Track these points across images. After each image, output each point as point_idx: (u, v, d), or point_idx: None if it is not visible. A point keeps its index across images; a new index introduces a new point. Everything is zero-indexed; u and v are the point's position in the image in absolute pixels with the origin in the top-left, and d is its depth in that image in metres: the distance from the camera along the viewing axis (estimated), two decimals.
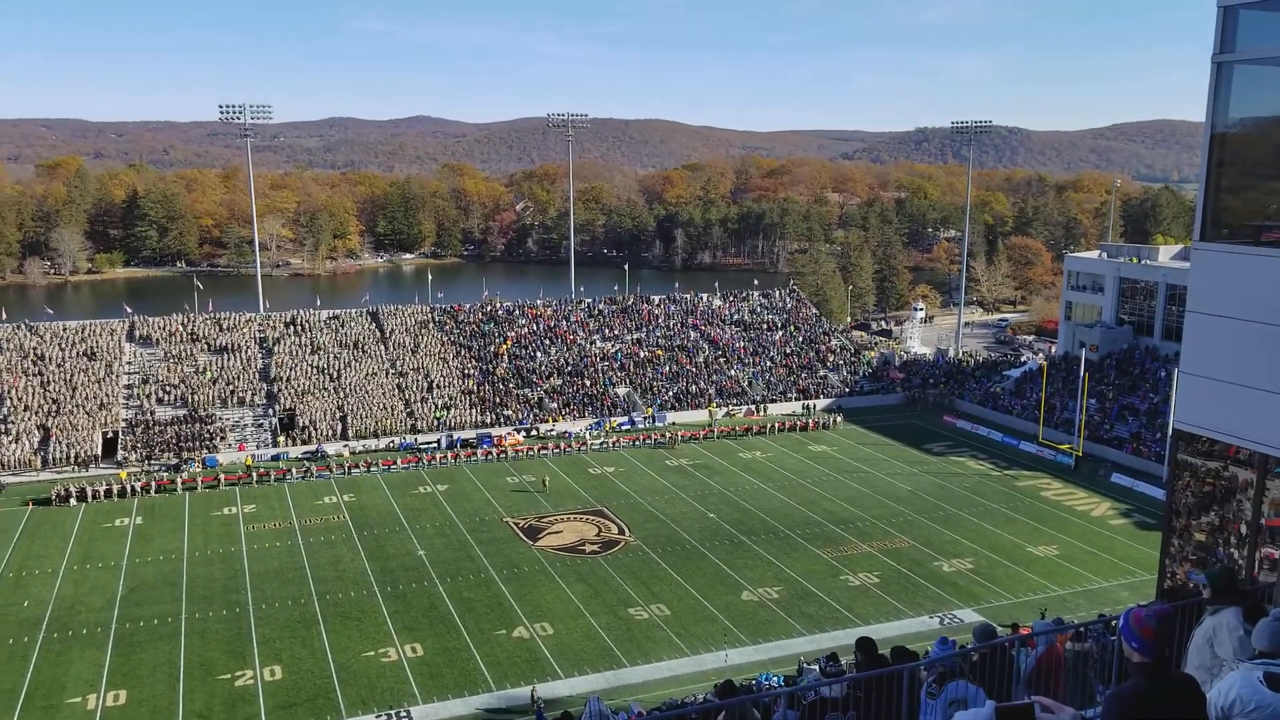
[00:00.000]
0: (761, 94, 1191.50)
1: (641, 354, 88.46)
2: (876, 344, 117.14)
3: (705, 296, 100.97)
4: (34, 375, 73.17)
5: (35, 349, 75.94)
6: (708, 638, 40.52)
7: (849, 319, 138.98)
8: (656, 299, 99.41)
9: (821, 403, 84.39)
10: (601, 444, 72.64)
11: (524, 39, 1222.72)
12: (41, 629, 41.77)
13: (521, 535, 53.46)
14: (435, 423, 74.76)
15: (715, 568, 48.47)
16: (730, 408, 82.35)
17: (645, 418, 78.76)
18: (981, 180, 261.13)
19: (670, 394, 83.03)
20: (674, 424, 78.22)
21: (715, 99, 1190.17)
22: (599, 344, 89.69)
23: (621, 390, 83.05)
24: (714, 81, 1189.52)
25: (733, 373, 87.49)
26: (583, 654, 39.10)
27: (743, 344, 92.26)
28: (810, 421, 78.74)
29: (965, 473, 66.31)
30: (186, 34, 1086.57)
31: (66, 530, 54.30)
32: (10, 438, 66.50)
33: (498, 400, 78.54)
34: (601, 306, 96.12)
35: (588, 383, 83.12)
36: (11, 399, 70.08)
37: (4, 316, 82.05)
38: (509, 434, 73.19)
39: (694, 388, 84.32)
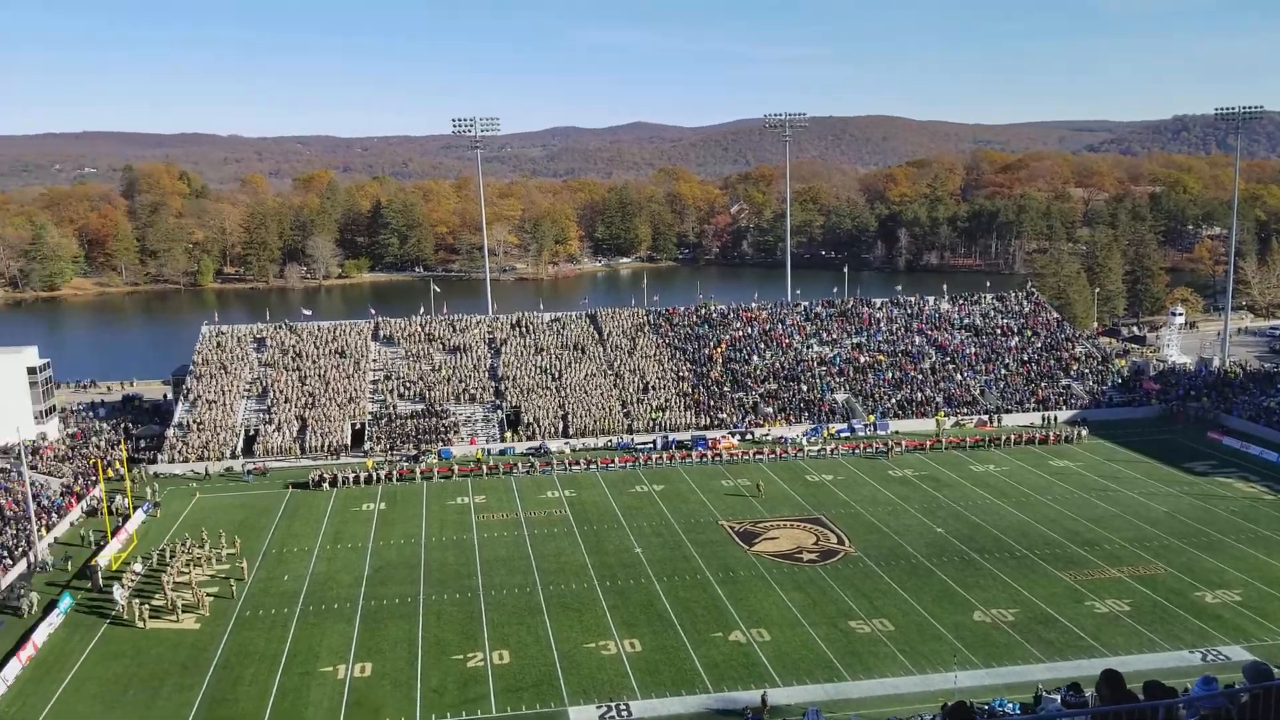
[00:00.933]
0: (994, 85, 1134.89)
1: (862, 359, 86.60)
2: (1128, 351, 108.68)
3: (932, 299, 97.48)
4: (293, 371, 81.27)
5: (294, 347, 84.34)
6: (935, 657, 39.14)
7: (1095, 324, 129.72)
8: (878, 302, 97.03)
9: (1063, 414, 79.28)
10: (819, 451, 71.72)
11: (741, 42, 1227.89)
12: (299, 602, 46.37)
13: (737, 539, 53.76)
14: (651, 424, 76.54)
15: (943, 585, 46.72)
16: (960, 417, 79.00)
17: (866, 425, 77.04)
18: (1251, 172, 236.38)
19: (893, 401, 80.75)
20: (896, 433, 76.02)
21: (942, 92, 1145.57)
22: (816, 348, 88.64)
23: (840, 396, 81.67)
24: (941, 74, 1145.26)
25: (962, 380, 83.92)
26: (801, 663, 38.82)
27: (974, 350, 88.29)
28: (1051, 434, 74.13)
29: (1233, 495, 60.28)
30: (424, 54, 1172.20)
31: (320, 512, 60.02)
32: (273, 427, 74.23)
33: (712, 403, 79.31)
34: (819, 310, 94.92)
35: (804, 388, 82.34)
36: (274, 392, 78.18)
37: (268, 317, 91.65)
38: (723, 437, 73.77)
39: (919, 395, 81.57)
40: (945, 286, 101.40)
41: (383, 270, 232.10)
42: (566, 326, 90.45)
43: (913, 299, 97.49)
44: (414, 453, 71.77)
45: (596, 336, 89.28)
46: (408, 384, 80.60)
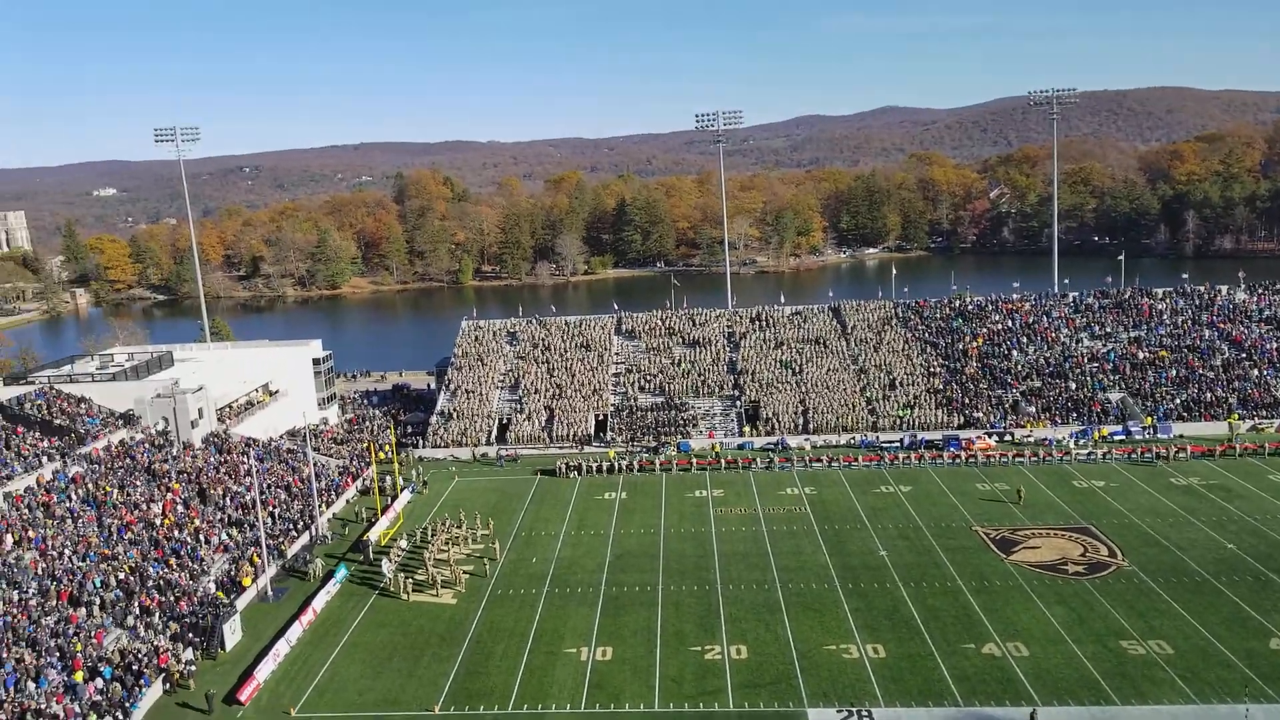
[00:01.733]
0: None
1: (1140, 355, 79.50)
2: None
3: (1225, 289, 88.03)
4: (542, 364, 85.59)
5: (543, 340, 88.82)
6: (1222, 686, 35.29)
7: None
8: (1160, 292, 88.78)
9: None
10: (1089, 455, 66.59)
11: (1002, 15, 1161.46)
12: (546, 584, 48.78)
13: (993, 546, 50.95)
14: (898, 421, 74.11)
15: (1233, 606, 42.04)
16: (1257, 421, 70.79)
17: (1144, 428, 70.68)
18: None
19: (1177, 402, 73.55)
20: (1180, 436, 69.21)
21: (1238, 58, 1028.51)
22: (1087, 343, 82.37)
23: (1114, 395, 75.39)
24: (1236, 37, 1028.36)
25: (1261, 378, 75.03)
26: (1063, 683, 36.22)
27: (1276, 345, 78.76)
28: None
29: None
30: (667, 51, 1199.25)
31: (566, 499, 62.89)
32: (524, 416, 78.54)
33: (966, 401, 75.61)
34: (1091, 300, 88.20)
35: (1072, 385, 76.69)
36: (525, 383, 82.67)
37: (520, 312, 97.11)
38: (979, 437, 70.15)
39: (1209, 396, 73.78)
40: (1242, 274, 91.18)
41: (626, 266, 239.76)
42: (808, 320, 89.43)
43: (1202, 288, 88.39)
44: (654, 444, 73.58)
45: (839, 330, 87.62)
46: (648, 377, 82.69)
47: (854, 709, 35.20)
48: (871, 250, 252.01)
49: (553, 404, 79.91)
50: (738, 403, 79.06)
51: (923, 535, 53.14)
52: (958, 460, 67.35)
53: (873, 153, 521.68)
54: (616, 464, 68.73)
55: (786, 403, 77.40)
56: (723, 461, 68.76)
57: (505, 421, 78.60)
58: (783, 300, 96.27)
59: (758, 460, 68.83)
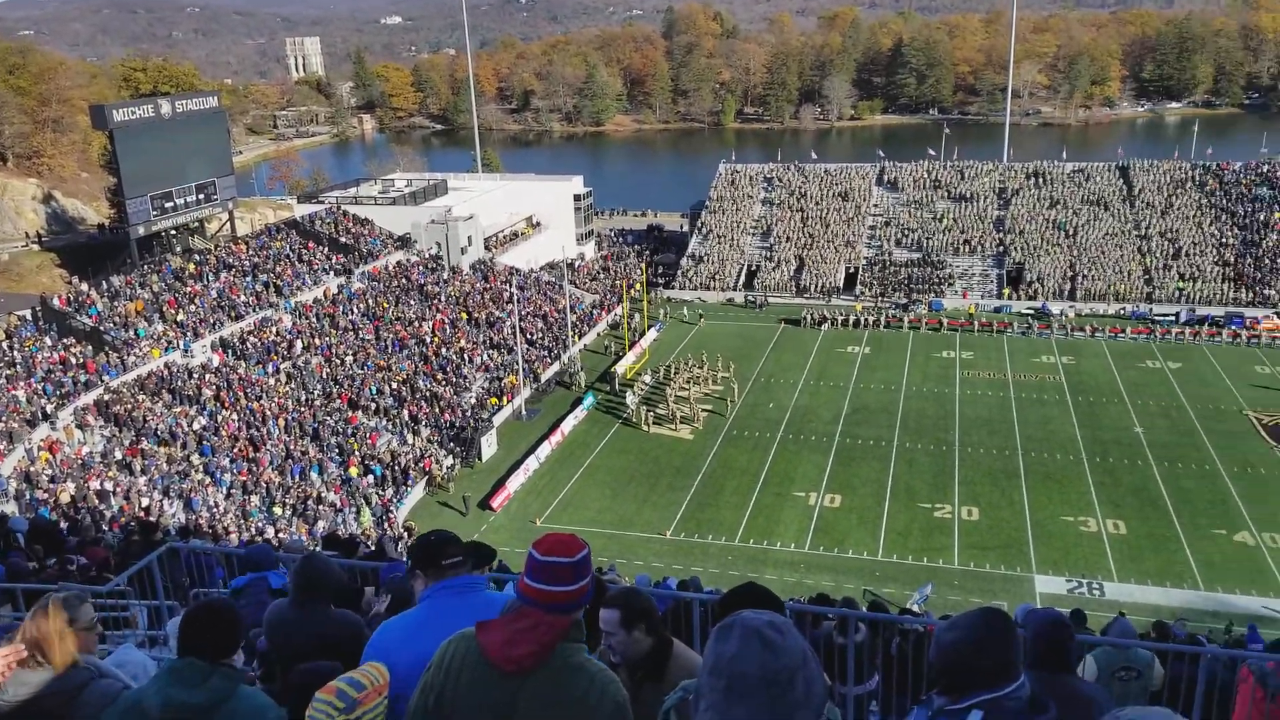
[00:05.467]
0: None
1: None
2: None
3: None
4: (796, 211, 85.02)
5: (800, 188, 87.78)
6: None
7: None
8: None
9: None
10: None
11: None
12: (780, 429, 50.46)
13: (1263, 433, 47.20)
14: (1175, 294, 68.39)
15: None
16: None
17: None
18: None
19: None
20: None
21: None
22: None
23: None
24: None
25: None
26: None
27: None
28: None
29: None
30: None
31: (808, 349, 63.70)
32: (773, 264, 79.11)
33: (1259, 277, 68.28)
34: None
35: None
36: (777, 231, 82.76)
37: (779, 157, 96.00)
38: (1266, 317, 63.60)
39: None
40: None
41: (896, 112, 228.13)
42: (1091, 178, 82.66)
43: None
44: (904, 301, 72.27)
45: (1125, 192, 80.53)
46: (906, 231, 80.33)
47: (1084, 579, 34.90)
48: (1174, 105, 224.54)
49: (803, 254, 79.78)
50: (1001, 263, 75.53)
51: (1185, 415, 49.95)
52: (1238, 339, 61.71)
53: None
54: (863, 319, 68.38)
55: (1055, 266, 73.13)
56: (976, 324, 66.73)
57: (754, 268, 79.54)
58: (1064, 156, 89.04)
59: (1014, 325, 66.23)
